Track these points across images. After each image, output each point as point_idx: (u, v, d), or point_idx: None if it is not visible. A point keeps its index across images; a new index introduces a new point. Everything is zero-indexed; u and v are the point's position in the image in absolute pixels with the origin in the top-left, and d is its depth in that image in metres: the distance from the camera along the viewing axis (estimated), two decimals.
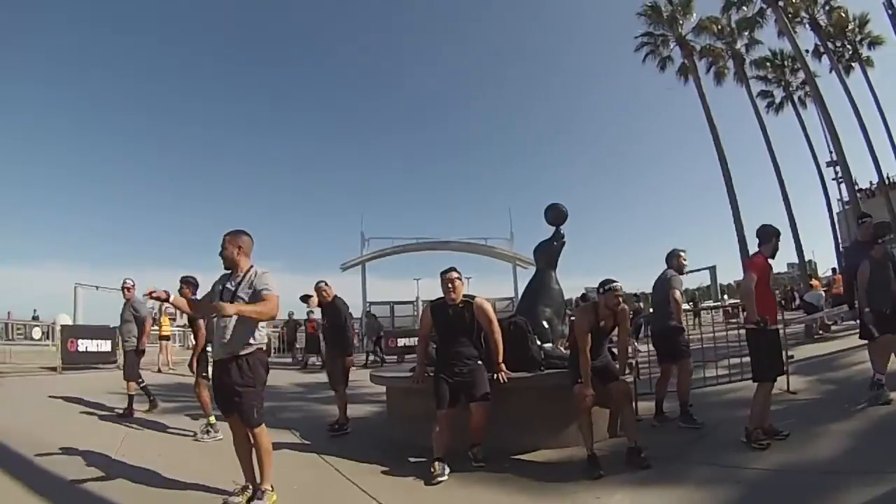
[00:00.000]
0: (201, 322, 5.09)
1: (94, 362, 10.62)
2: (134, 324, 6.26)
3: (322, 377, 6.17)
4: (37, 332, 17.97)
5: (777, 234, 4.23)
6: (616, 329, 4.04)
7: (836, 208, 26.78)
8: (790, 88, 26.26)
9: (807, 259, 26.23)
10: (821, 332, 10.31)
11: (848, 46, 24.09)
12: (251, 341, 3.15)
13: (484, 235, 25.71)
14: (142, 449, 4.49)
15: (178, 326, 18.06)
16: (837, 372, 6.51)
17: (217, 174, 69.88)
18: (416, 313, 19.71)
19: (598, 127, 77.09)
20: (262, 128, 69.73)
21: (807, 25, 22.86)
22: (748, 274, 4.11)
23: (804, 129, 25.84)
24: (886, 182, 23.66)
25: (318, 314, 8.53)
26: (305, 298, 5.89)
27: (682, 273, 5.19)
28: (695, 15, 23.74)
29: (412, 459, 3.91)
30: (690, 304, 18.45)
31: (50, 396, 7.03)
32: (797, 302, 17.13)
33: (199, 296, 4.41)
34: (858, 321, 5.22)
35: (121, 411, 6.04)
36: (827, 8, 22.74)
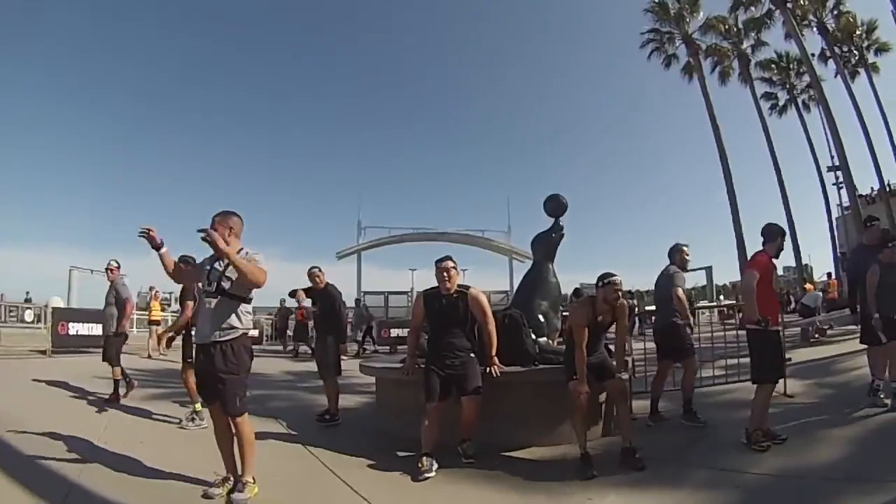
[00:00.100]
0: (189, 303, 4.97)
1: (85, 346, 10.48)
2: (115, 307, 6.12)
3: (313, 366, 6.06)
4: (29, 315, 17.87)
5: (782, 233, 4.13)
6: (614, 325, 3.93)
7: (835, 213, 26.81)
8: (794, 91, 26.14)
9: (803, 263, 26.25)
10: (817, 335, 10.26)
11: (854, 52, 23.92)
12: (236, 325, 3.04)
13: (481, 227, 25.70)
14: (125, 436, 4.39)
15: (169, 312, 17.94)
16: (835, 376, 6.45)
17: (217, 161, 69.32)
18: (410, 304, 19.67)
19: (600, 126, 76.80)
20: (263, 117, 69.20)
21: (814, 29, 22.70)
22: (750, 271, 3.95)
23: (807, 132, 25.77)
24: (887, 188, 23.61)
25: (307, 303, 8.48)
26: (293, 294, 5.82)
27: (685, 269, 5.06)
28: (702, 13, 23.55)
29: (400, 454, 3.81)
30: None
31: (36, 380, 6.92)
32: (793, 305, 17.11)
33: None
34: (860, 325, 5.13)
35: (107, 396, 5.94)
36: (835, 12, 22.58)
